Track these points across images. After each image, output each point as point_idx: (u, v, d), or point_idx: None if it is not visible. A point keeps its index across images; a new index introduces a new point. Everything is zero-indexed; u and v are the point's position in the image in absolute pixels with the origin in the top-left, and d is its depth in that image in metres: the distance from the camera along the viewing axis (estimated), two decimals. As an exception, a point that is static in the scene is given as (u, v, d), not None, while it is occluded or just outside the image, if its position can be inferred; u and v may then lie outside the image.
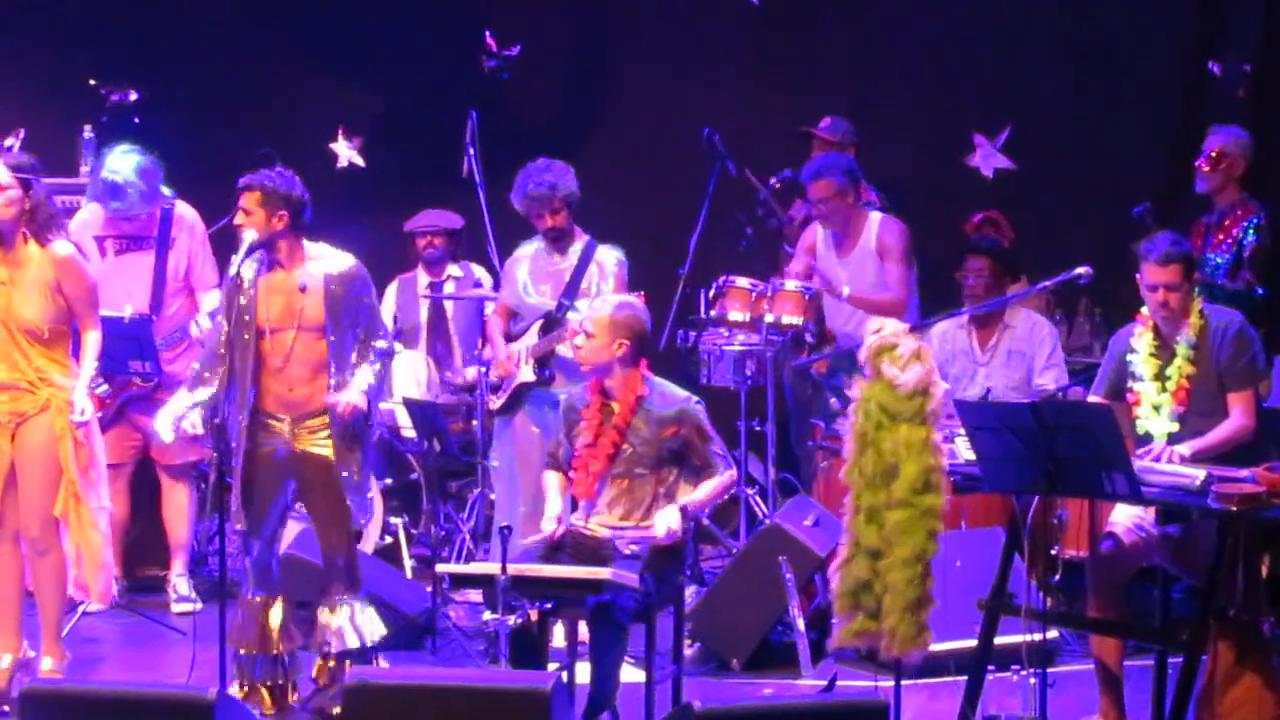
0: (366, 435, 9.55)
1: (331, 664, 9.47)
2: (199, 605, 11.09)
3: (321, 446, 9.45)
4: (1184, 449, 8.85)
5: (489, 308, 11.68)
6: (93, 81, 13.24)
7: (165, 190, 11.35)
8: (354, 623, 9.52)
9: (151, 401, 11.02)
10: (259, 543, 9.52)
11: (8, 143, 12.25)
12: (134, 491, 11.35)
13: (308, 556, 9.87)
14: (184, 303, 11.31)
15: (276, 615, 9.54)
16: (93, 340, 9.60)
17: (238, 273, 9.38)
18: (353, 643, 9.47)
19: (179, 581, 11.30)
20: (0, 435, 9.57)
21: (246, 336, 9.37)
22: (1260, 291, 11.06)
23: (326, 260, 9.46)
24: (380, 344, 9.51)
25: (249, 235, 9.34)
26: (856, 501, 8.85)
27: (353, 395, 9.34)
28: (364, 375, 9.40)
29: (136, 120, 12.66)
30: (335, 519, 9.50)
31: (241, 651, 9.48)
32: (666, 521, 9.21)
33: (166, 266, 11.27)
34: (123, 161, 11.24)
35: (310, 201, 9.49)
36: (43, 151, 10.65)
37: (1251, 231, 11.24)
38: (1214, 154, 11.41)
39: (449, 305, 12.67)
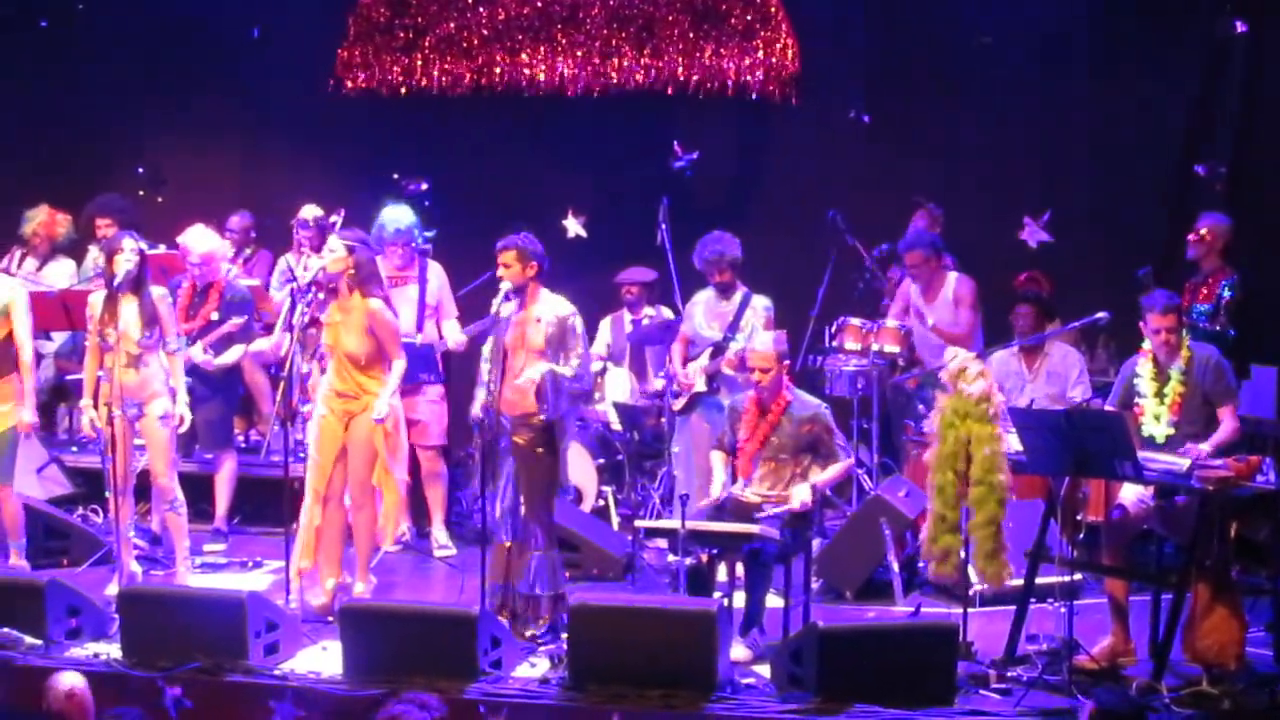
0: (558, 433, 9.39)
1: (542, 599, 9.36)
2: (454, 551, 11.05)
3: (522, 439, 9.36)
4: (1205, 447, 8.80)
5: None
6: (395, 175, 13.33)
7: (420, 233, 11.49)
8: (542, 572, 9.39)
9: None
10: (503, 503, 9.43)
11: (332, 219, 12.29)
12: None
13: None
14: (433, 325, 11.38)
15: (516, 556, 9.47)
16: (397, 368, 9.67)
17: (497, 311, 9.42)
18: (538, 589, 9.36)
19: (439, 533, 11.23)
20: (338, 425, 9.67)
21: (498, 355, 9.39)
22: (1231, 333, 10.98)
23: (553, 305, 9.46)
24: (574, 360, 9.36)
25: (505, 285, 9.39)
26: (931, 478, 8.94)
27: (525, 376, 9.28)
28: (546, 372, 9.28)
29: (426, 204, 12.70)
30: (532, 491, 9.40)
31: (496, 582, 9.44)
32: (801, 496, 9.25)
33: (426, 298, 11.33)
34: (397, 211, 11.44)
35: (549, 258, 9.56)
36: (357, 226, 10.71)
37: (1227, 290, 11.13)
38: (1202, 232, 11.31)
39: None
